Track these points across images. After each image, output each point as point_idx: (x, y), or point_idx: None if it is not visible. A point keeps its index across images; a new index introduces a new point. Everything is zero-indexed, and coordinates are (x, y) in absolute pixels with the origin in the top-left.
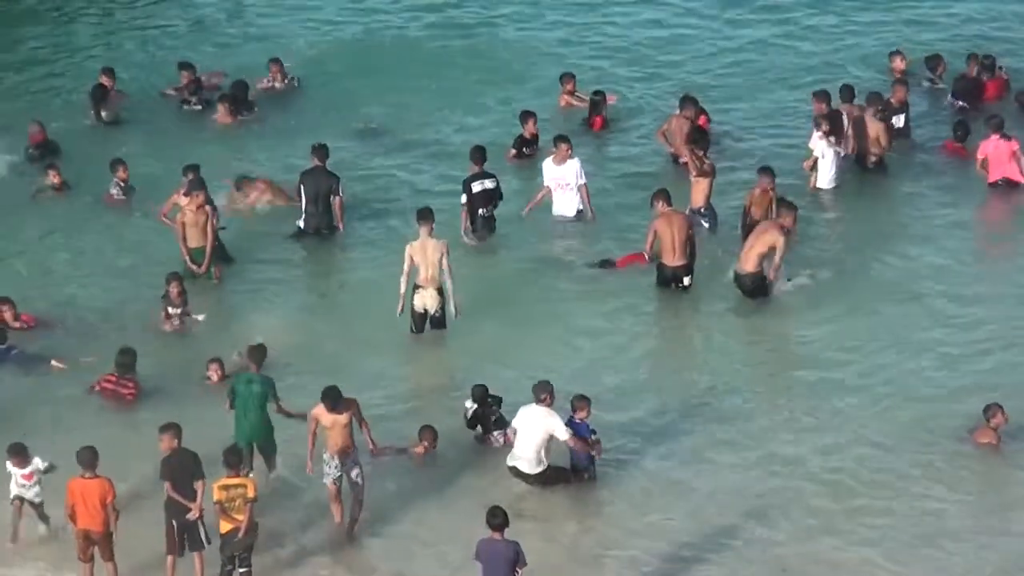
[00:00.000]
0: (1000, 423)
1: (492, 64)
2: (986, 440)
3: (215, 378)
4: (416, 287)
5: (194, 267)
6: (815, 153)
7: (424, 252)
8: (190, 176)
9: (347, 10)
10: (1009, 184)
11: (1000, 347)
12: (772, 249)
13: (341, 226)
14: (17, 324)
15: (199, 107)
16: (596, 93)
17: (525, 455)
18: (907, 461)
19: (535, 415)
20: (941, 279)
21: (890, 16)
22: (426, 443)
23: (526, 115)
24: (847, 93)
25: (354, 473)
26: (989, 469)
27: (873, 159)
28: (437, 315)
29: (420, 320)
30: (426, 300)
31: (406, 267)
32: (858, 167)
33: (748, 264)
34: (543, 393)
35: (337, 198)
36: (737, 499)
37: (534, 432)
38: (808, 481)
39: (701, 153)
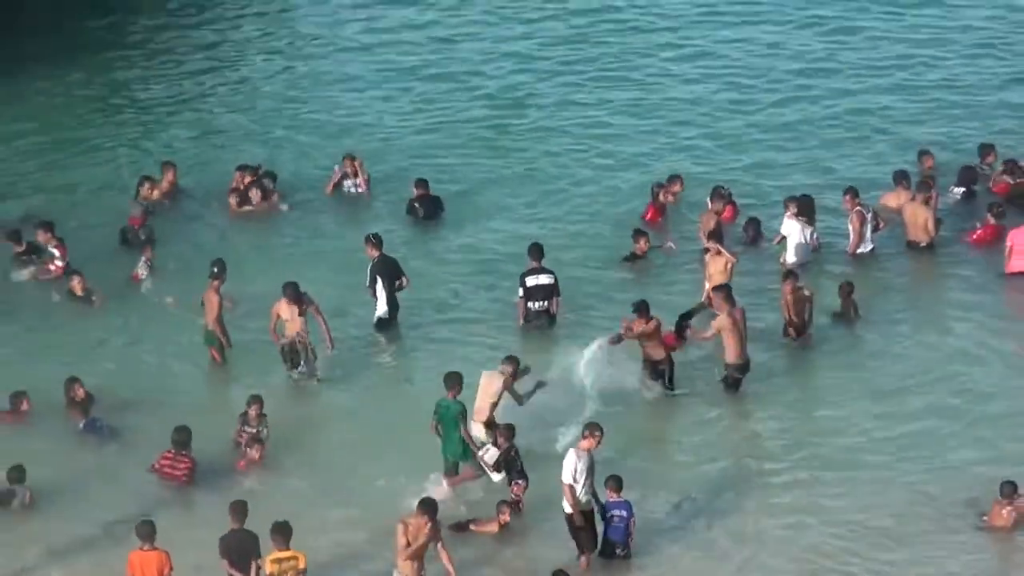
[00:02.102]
0: (1020, 505)
1: (556, 156)
2: (1002, 523)
3: (256, 456)
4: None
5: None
6: (782, 232)
7: (487, 382)
8: (288, 292)
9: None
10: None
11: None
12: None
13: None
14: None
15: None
16: (665, 182)
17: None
18: (918, 548)
19: (567, 455)
20: (928, 360)
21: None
22: (504, 516)
23: (638, 234)
24: (898, 176)
25: None
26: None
27: (922, 244)
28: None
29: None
30: (479, 433)
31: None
32: (907, 249)
33: (745, 355)
34: (586, 431)
35: (404, 279)
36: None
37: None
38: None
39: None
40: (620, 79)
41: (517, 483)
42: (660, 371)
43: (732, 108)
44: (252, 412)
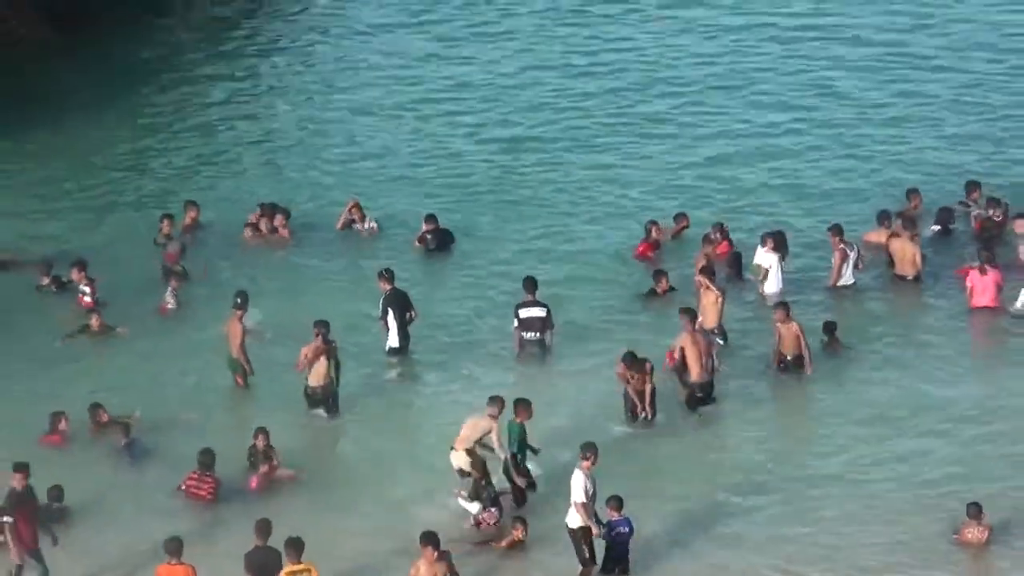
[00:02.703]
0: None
1: (557, 199)
2: (975, 541)
3: (267, 470)
4: (451, 447)
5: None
6: (764, 266)
7: (472, 422)
8: (318, 331)
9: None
10: (988, 310)
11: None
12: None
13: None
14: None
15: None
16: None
17: (570, 510)
18: (901, 568)
19: (573, 476)
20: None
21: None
22: (517, 533)
23: (659, 274)
24: (882, 216)
25: None
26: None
27: (909, 277)
28: (468, 472)
29: (460, 473)
30: (459, 461)
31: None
32: (899, 281)
33: (706, 374)
34: (588, 452)
35: (413, 312)
36: None
37: (571, 491)
38: None
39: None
40: (627, 116)
41: (489, 511)
42: (641, 399)
43: (733, 144)
44: (259, 443)
